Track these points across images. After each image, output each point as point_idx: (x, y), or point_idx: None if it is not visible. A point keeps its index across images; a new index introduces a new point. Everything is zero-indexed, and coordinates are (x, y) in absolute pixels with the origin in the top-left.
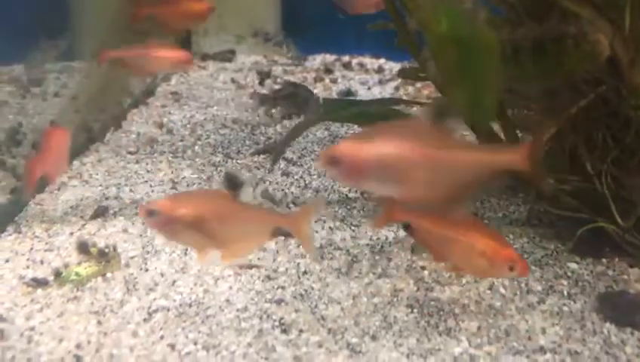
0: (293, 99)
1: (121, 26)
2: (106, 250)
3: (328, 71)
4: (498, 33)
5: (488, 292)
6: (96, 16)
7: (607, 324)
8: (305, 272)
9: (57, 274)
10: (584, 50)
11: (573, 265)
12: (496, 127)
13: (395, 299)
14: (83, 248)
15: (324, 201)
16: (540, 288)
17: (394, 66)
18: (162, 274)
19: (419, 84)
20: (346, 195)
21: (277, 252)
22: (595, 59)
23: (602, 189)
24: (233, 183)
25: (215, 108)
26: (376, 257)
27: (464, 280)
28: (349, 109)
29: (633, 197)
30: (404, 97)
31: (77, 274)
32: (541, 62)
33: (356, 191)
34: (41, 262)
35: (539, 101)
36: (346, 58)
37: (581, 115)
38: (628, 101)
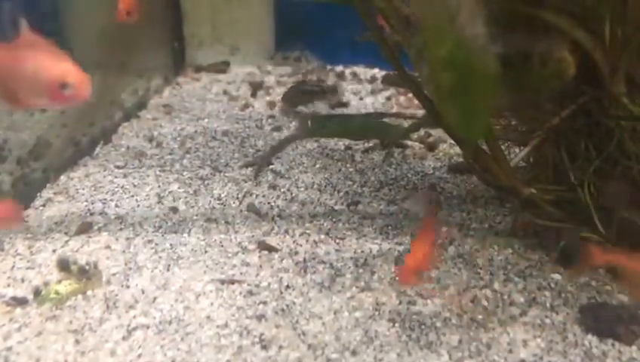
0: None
1: (112, 38)
2: (87, 268)
3: (321, 81)
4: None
5: (471, 305)
6: (88, 29)
7: (589, 336)
8: (287, 287)
9: (37, 292)
10: (550, 68)
11: (557, 276)
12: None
13: (376, 313)
14: (64, 266)
15: None
16: (522, 300)
17: None
18: (143, 291)
19: (411, 94)
20: (332, 208)
21: (260, 267)
22: (561, 77)
23: (585, 199)
24: None
25: (206, 120)
26: (360, 270)
27: (447, 293)
28: (333, 125)
29: (614, 206)
30: (396, 107)
31: (57, 292)
32: (510, 78)
33: (342, 204)
34: (22, 281)
35: (521, 111)
36: (339, 68)
37: (564, 125)
38: (609, 111)
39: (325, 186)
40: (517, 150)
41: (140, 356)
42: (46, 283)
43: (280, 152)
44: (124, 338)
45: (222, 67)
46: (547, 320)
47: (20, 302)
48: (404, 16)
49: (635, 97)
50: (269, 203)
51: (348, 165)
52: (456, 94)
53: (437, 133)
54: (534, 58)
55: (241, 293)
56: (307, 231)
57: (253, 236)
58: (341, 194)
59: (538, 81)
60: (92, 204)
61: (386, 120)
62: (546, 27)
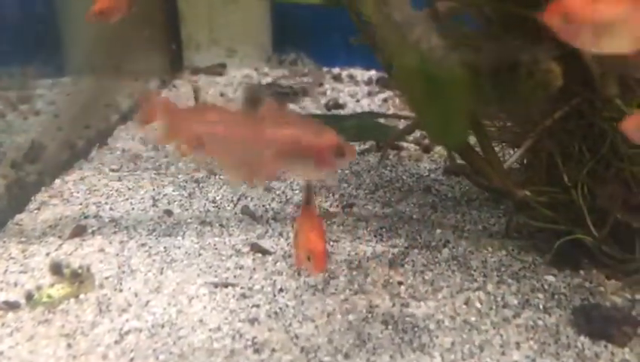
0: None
1: (109, 40)
2: (80, 271)
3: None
4: (463, 54)
5: (464, 307)
6: (85, 32)
7: (582, 338)
8: (281, 290)
9: (29, 296)
10: (536, 78)
11: (551, 278)
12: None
13: (370, 316)
14: (56, 269)
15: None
16: (516, 302)
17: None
18: (136, 295)
19: None
20: (327, 210)
21: (254, 269)
22: (548, 88)
23: (578, 201)
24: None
25: None
26: (354, 273)
27: (440, 295)
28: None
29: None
30: (392, 109)
31: (49, 296)
32: (498, 86)
33: (337, 206)
34: (15, 284)
35: (515, 113)
36: (336, 70)
37: (557, 127)
38: (601, 113)
39: (320, 188)
40: (511, 152)
41: (132, 360)
42: (39, 287)
43: None
44: (116, 342)
45: (219, 69)
46: (540, 322)
47: (12, 306)
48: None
49: (628, 99)
50: (263, 205)
51: (343, 167)
52: (428, 105)
53: None
54: (521, 69)
55: (234, 296)
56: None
57: (247, 239)
58: (336, 196)
59: (526, 90)
60: (86, 207)
61: (381, 121)
62: (538, 29)
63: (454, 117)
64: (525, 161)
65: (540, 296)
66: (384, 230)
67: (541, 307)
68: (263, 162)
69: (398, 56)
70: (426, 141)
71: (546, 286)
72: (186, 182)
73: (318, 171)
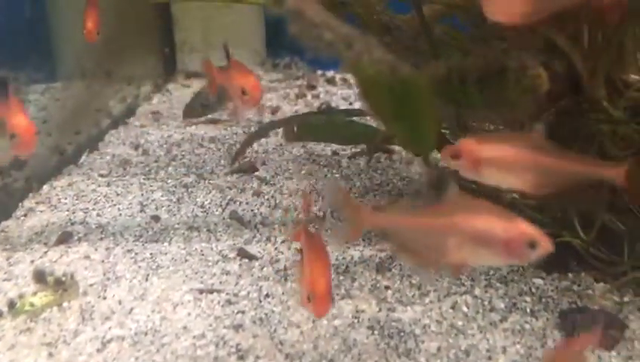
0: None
1: (100, 45)
2: (64, 279)
3: (311, 87)
4: (447, 60)
5: (451, 311)
6: (76, 36)
7: None
8: (267, 295)
9: (12, 304)
10: (524, 84)
11: (539, 281)
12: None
13: (356, 321)
14: (40, 277)
15: None
16: (502, 305)
17: None
18: (120, 302)
19: None
20: (316, 214)
21: (240, 275)
22: (535, 93)
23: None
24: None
25: (194, 127)
26: (341, 277)
27: (427, 300)
28: (321, 129)
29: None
30: None
31: (31, 304)
32: (486, 92)
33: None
34: None
35: (502, 117)
36: (330, 73)
37: (544, 129)
38: (589, 115)
39: (309, 193)
40: None
41: None
42: (21, 296)
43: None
44: (98, 351)
45: None
46: (527, 326)
47: None
48: (384, 22)
49: (615, 101)
50: (252, 210)
51: (334, 171)
52: (396, 112)
53: None
54: (509, 74)
55: (219, 303)
56: (289, 239)
57: (234, 244)
58: (325, 200)
59: (513, 95)
60: (73, 213)
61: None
62: (525, 32)
63: (421, 125)
64: None
65: (528, 299)
66: (372, 234)
67: (528, 311)
68: (447, 251)
69: (354, 70)
70: None
71: (533, 290)
72: (175, 187)
73: (506, 262)
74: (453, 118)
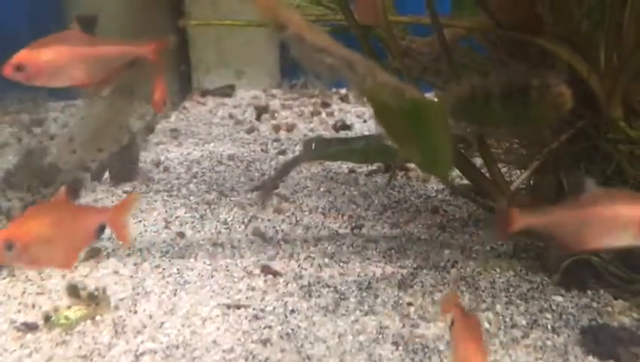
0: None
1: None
2: (96, 293)
3: (325, 104)
4: (470, 78)
5: None
6: None
7: (590, 358)
8: (292, 311)
9: (47, 318)
10: (548, 101)
11: (559, 298)
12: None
13: (380, 337)
14: (73, 291)
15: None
16: (524, 322)
17: None
18: (151, 316)
19: None
20: (336, 231)
21: (265, 291)
22: (559, 110)
23: None
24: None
25: (212, 144)
26: (364, 294)
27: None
28: (336, 147)
29: None
30: None
31: (66, 317)
32: (510, 109)
33: (346, 228)
34: (33, 306)
35: (526, 135)
36: (343, 91)
37: (563, 149)
38: (606, 135)
39: (329, 210)
40: (518, 173)
41: None
42: (56, 309)
43: (285, 175)
44: None
45: (227, 91)
46: (549, 342)
47: (31, 327)
48: (403, 46)
49: (632, 121)
50: (274, 227)
51: (352, 188)
52: (411, 135)
53: None
54: (533, 92)
55: (246, 318)
56: (312, 255)
57: (258, 260)
58: (345, 217)
59: (537, 112)
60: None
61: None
62: (543, 53)
63: (436, 148)
64: (532, 183)
65: (549, 316)
66: (393, 251)
67: (549, 327)
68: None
69: (363, 94)
70: None
71: (554, 307)
72: (198, 203)
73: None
74: (473, 135)
